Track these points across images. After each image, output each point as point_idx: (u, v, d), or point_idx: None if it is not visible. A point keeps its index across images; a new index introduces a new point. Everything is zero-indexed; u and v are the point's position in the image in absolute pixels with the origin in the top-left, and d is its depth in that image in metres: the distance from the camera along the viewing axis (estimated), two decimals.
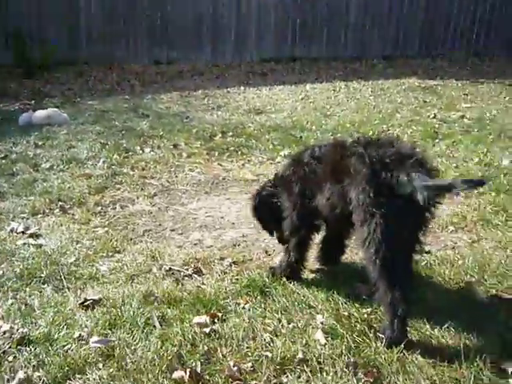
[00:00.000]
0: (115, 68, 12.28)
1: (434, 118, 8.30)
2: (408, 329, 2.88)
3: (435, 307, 3.17)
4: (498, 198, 4.94)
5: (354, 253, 3.81)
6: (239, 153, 6.49)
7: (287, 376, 2.63)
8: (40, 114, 7.83)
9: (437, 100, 9.67)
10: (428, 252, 3.98)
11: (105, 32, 12.07)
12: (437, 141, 6.99)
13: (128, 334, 2.94)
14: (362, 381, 2.58)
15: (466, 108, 9.06)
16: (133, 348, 2.81)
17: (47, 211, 4.75)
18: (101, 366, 2.69)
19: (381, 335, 2.87)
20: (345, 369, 2.66)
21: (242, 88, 10.84)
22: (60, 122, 7.76)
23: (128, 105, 9.16)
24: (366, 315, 3.12)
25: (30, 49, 10.89)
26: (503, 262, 3.74)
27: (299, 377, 2.62)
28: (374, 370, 2.64)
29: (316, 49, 13.58)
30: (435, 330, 2.97)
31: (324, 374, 2.64)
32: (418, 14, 13.73)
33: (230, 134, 7.34)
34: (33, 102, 9.10)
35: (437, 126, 7.78)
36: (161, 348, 2.80)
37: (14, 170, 5.79)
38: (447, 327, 2.95)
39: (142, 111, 8.73)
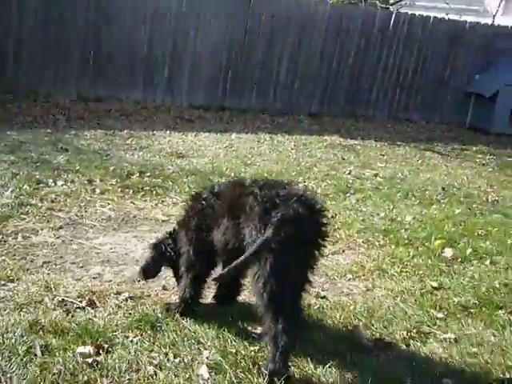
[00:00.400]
0: (41, 101, 12.04)
1: (349, 174, 8.63)
2: (290, 365, 2.94)
3: (321, 348, 3.26)
4: (397, 251, 5.19)
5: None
6: (154, 193, 6.49)
7: None
8: None
9: (354, 158, 10.07)
10: (323, 297, 4.11)
11: (33, 62, 11.81)
12: (348, 195, 7.26)
13: (6, 361, 2.83)
14: None
15: (380, 167, 9.49)
16: (8, 376, 2.71)
17: None
18: None
19: (264, 371, 2.90)
20: None
21: (168, 132, 10.87)
22: None
23: (49, 138, 8.97)
24: (252, 353, 3.16)
25: None
26: (391, 308, 3.91)
27: None
28: None
29: (246, 101, 13.88)
30: (318, 369, 3.04)
31: None
32: (345, 75, 14.36)
33: (148, 174, 7.33)
34: None
35: (350, 181, 8.09)
36: (38, 377, 2.70)
37: None
38: (329, 367, 3.02)
39: (62, 145, 8.57)
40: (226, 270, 2.95)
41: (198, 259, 3.42)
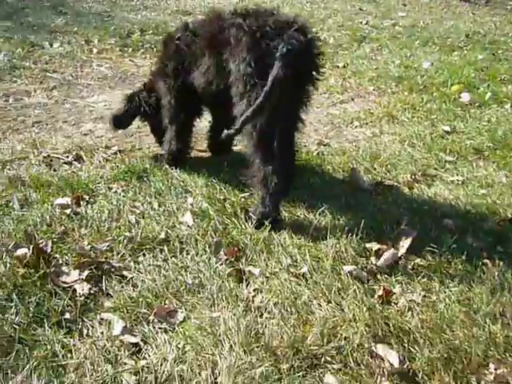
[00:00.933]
0: None
1: (366, 24, 8.07)
2: (281, 208, 2.78)
3: (316, 193, 3.07)
4: (410, 97, 4.86)
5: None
6: (154, 50, 6.12)
7: (144, 255, 2.49)
8: None
9: (373, 8, 9.40)
10: (326, 145, 3.88)
11: None
12: (363, 44, 6.80)
13: None
14: (223, 259, 2.47)
15: (400, 17, 8.85)
16: None
17: None
18: None
19: (252, 215, 2.74)
20: (206, 248, 2.53)
21: None
22: None
23: (50, 3, 8.53)
24: (242, 199, 2.99)
25: None
26: (397, 152, 3.67)
27: (156, 256, 2.48)
28: (237, 249, 2.52)
29: None
30: (310, 213, 2.87)
31: (184, 253, 2.51)
32: None
33: (150, 32, 6.95)
34: None
35: (366, 31, 7.57)
36: (14, 229, 2.60)
37: None
38: (323, 211, 2.85)
39: (62, 9, 8.15)
40: (235, 126, 2.59)
41: (180, 108, 3.17)
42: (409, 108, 4.61)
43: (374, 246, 2.56)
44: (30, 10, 7.98)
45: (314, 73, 2.77)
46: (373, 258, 2.49)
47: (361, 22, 8.21)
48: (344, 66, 5.85)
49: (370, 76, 5.51)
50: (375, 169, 3.42)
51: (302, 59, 2.59)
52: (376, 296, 2.25)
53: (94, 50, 6.03)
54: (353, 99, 5.03)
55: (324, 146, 3.85)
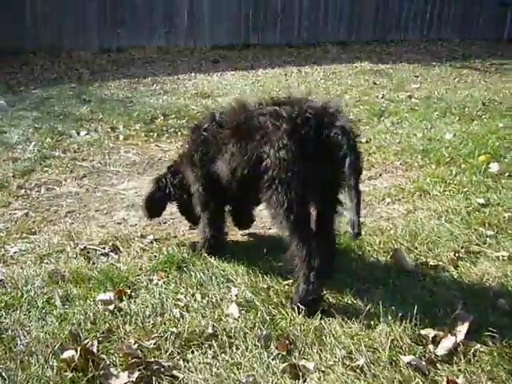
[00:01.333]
0: (63, 57, 11.85)
1: (382, 98, 8.19)
2: (327, 294, 2.72)
3: (360, 275, 3.01)
4: (438, 170, 4.84)
5: None
6: (179, 134, 6.24)
7: (193, 352, 2.41)
8: None
9: (387, 82, 9.57)
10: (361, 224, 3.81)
11: (52, 18, 11.57)
12: (382, 119, 6.87)
13: (24, 314, 2.68)
14: (274, 353, 2.38)
15: (414, 88, 8.99)
16: (27, 329, 2.55)
17: None
18: None
19: (297, 304, 2.66)
20: (256, 342, 2.45)
21: (193, 74, 10.55)
22: None
23: (73, 92, 8.79)
24: (286, 287, 2.92)
25: None
26: (436, 229, 3.61)
27: (205, 353, 2.40)
28: (287, 342, 2.44)
29: (270, 36, 13.37)
30: (358, 299, 2.79)
31: (233, 348, 2.43)
32: None
33: (173, 116, 7.08)
34: None
35: (384, 105, 7.66)
36: (58, 328, 2.54)
37: None
38: (369, 295, 2.77)
39: (85, 97, 8.38)
40: (355, 227, 2.52)
41: (210, 196, 3.16)
42: (439, 181, 4.58)
43: (430, 332, 2.46)
44: (55, 100, 8.21)
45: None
46: (430, 346, 2.39)
47: (377, 96, 8.33)
48: (367, 142, 5.89)
49: (394, 150, 5.53)
50: (416, 248, 3.35)
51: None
52: None
53: (120, 137, 6.14)
54: (381, 175, 5.02)
55: None
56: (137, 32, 12.27)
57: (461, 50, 13.39)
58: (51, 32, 11.58)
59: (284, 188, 2.61)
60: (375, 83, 9.46)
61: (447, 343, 2.37)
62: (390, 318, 2.56)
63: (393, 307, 2.68)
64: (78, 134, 6.29)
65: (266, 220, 3.72)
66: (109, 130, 6.46)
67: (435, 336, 2.44)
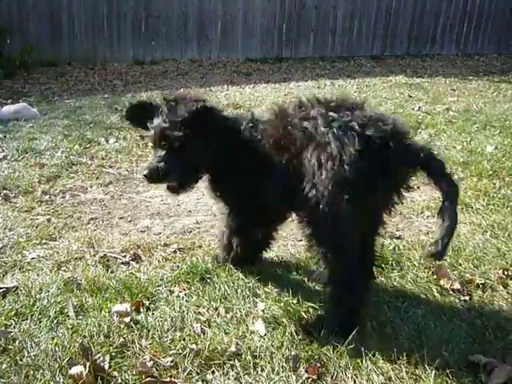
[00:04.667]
0: (98, 68, 11.91)
1: (419, 110, 7.90)
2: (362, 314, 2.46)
3: (399, 293, 2.74)
4: (480, 183, 4.54)
5: None
6: None
7: (213, 372, 2.18)
8: (8, 109, 7.42)
9: (422, 95, 9.26)
10: (399, 238, 3.57)
11: (87, 31, 11.68)
12: (419, 131, 6.58)
13: (35, 324, 2.50)
14: (303, 377, 2.13)
15: (452, 101, 8.67)
16: (36, 341, 2.37)
17: None
18: None
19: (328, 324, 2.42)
20: (284, 364, 2.21)
21: (225, 86, 10.44)
22: (28, 117, 7.33)
23: (105, 102, 8.74)
24: (318, 303, 2.67)
25: (10, 48, 10.55)
26: (481, 245, 3.31)
27: (227, 373, 2.17)
28: (319, 365, 2.19)
29: (303, 49, 13.23)
30: (397, 318, 2.53)
31: (258, 369, 2.20)
32: (407, 12, 13.38)
33: None
34: (9, 101, 8.68)
35: (420, 117, 7.37)
36: (69, 340, 2.34)
37: None
38: (410, 315, 2.50)
39: (117, 107, 8.31)
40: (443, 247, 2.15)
41: (243, 215, 2.86)
42: (481, 195, 4.29)
43: (481, 359, 2.18)
44: (86, 109, 8.16)
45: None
46: (482, 375, 2.11)
47: (413, 109, 8.05)
48: None
49: None
50: (460, 264, 3.07)
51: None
52: None
53: (149, 145, 5.99)
54: (419, 187, 4.73)
55: (397, 238, 3.55)
56: (170, 45, 12.29)
57: (499, 63, 13.00)
58: (87, 44, 11.69)
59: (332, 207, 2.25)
60: (410, 96, 9.17)
61: (501, 372, 2.09)
62: (434, 340, 2.29)
63: (437, 329, 2.41)
64: (107, 141, 6.17)
65: (296, 232, 3.48)
66: (138, 138, 6.33)
67: (486, 364, 2.16)
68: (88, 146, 5.97)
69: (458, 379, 2.10)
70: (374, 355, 2.25)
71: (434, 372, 2.11)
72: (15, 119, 7.20)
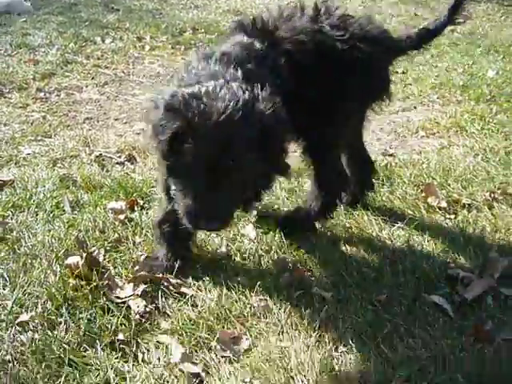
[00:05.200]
0: None
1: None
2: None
3: (387, 208, 2.82)
4: (477, 107, 4.52)
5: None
6: (207, 49, 5.93)
7: (204, 270, 2.27)
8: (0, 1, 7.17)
9: (428, 14, 8.98)
10: (391, 155, 3.61)
11: None
12: (421, 50, 6.44)
13: (32, 217, 2.56)
14: (290, 280, 2.23)
15: (458, 23, 8.44)
16: (33, 232, 2.43)
17: None
18: None
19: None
20: (271, 266, 2.30)
21: None
22: (21, 11, 7.10)
23: (101, 0, 8.44)
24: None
25: None
26: (471, 167, 3.36)
27: (216, 272, 2.26)
28: (305, 269, 2.30)
29: None
30: (383, 231, 2.62)
31: (247, 270, 2.29)
32: None
33: (202, 30, 6.75)
34: None
35: None
36: (65, 233, 2.42)
37: None
38: (396, 229, 2.59)
39: (114, 6, 8.04)
40: None
41: None
42: (477, 119, 4.28)
43: (460, 273, 2.28)
44: (82, 7, 7.89)
45: None
46: (459, 288, 2.21)
47: (416, 27, 7.85)
48: (404, 72, 5.54)
49: (432, 83, 5.20)
50: (449, 185, 3.13)
51: None
52: (466, 333, 1.97)
53: (146, 47, 5.88)
54: (415, 107, 4.73)
55: (390, 156, 3.59)
56: None
57: None
58: None
59: None
60: (416, 14, 8.93)
61: (477, 286, 2.20)
62: (416, 254, 2.38)
63: (420, 243, 2.51)
64: (103, 41, 6.03)
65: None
66: (135, 39, 6.19)
67: (464, 277, 2.26)
68: (84, 44, 5.84)
69: (436, 290, 2.20)
70: (358, 264, 2.35)
71: (414, 281, 2.22)
72: (7, 12, 6.97)
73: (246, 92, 1.81)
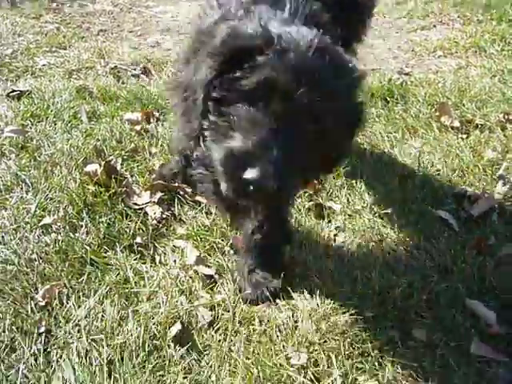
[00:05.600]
0: None
1: None
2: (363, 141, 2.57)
3: (400, 125, 2.84)
4: (499, 28, 4.41)
5: None
6: None
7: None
8: None
9: None
10: (407, 74, 3.59)
11: None
12: None
13: (50, 126, 2.61)
14: (301, 192, 2.29)
15: None
16: (52, 141, 2.50)
17: None
18: (13, 156, 2.39)
19: None
20: None
21: None
22: None
23: None
24: None
25: None
26: (487, 88, 3.33)
27: None
28: (315, 182, 2.34)
29: None
30: (394, 148, 2.65)
31: None
32: None
33: None
34: None
35: None
36: (83, 142, 2.47)
37: None
38: (407, 145, 2.62)
39: None
40: None
41: None
42: (498, 39, 4.20)
43: (467, 190, 2.33)
44: None
45: None
46: (465, 204, 2.27)
47: None
48: None
49: (453, 1, 5.06)
50: (464, 105, 3.12)
51: None
52: (469, 246, 2.04)
53: None
54: (435, 26, 4.63)
55: (405, 74, 3.57)
56: None
57: None
58: None
59: None
60: None
61: (483, 203, 2.25)
62: (426, 171, 2.43)
63: (430, 160, 2.54)
64: None
65: None
66: None
67: (471, 195, 2.31)
68: None
69: (443, 205, 2.26)
70: (367, 178, 2.40)
71: (421, 196, 2.28)
72: None
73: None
